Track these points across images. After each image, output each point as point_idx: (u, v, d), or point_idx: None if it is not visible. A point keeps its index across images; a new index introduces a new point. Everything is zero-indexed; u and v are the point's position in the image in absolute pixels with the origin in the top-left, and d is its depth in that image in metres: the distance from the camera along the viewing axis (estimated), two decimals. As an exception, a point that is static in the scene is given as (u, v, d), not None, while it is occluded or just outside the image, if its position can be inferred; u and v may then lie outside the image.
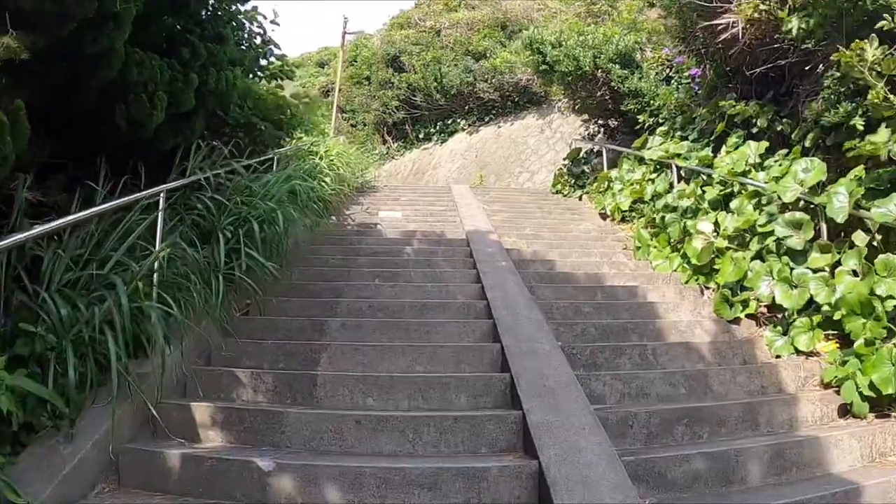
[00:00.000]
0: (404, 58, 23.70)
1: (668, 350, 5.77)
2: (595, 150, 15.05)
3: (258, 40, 6.85)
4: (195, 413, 4.46)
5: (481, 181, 17.87)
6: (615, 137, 14.58)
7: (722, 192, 8.17)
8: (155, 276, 4.78)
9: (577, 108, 17.15)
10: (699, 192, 8.38)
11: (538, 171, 17.60)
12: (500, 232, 9.50)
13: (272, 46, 6.97)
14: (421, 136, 23.47)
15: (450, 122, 22.55)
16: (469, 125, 21.85)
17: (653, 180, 10.35)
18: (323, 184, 9.97)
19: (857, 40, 5.62)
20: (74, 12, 3.67)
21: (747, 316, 6.71)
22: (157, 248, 5.01)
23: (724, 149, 8.89)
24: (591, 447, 3.80)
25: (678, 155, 9.81)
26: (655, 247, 8.85)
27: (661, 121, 11.40)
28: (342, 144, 13.15)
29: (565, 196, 13.87)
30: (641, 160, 11.48)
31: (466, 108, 21.96)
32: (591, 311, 6.55)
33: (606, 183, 11.89)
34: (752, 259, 7.02)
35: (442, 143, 22.48)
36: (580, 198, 13.51)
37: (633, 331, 6.18)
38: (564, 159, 15.11)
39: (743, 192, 7.78)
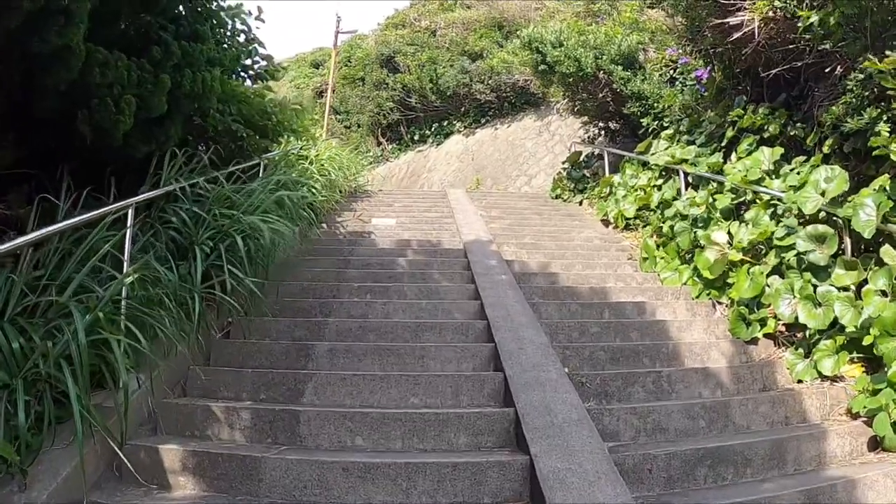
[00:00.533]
0: (399, 58, 23.24)
1: (685, 377, 5.34)
2: (595, 154, 14.63)
3: (242, 38, 6.34)
4: (164, 456, 3.99)
5: (477, 185, 17.43)
6: (616, 140, 14.18)
7: (734, 201, 7.75)
8: (123, 302, 4.30)
9: (576, 109, 16.72)
10: (710, 200, 7.94)
11: (536, 174, 17.16)
12: (498, 241, 9.06)
13: (256, 45, 6.47)
14: (416, 137, 23.00)
15: (445, 123, 22.10)
16: (465, 127, 21.39)
17: (659, 187, 9.92)
18: (313, 190, 9.52)
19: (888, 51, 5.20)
20: (18, 3, 3.20)
21: (765, 335, 6.30)
22: (125, 268, 4.56)
23: (734, 154, 8.50)
24: (609, 501, 3.36)
25: (685, 160, 9.41)
26: (663, 258, 8.44)
27: (665, 124, 11.01)
28: (334, 147, 12.68)
29: (565, 201, 13.45)
30: (645, 165, 11.09)
31: (462, 109, 21.51)
32: (599, 332, 6.10)
33: (609, 188, 11.48)
34: (770, 274, 6.61)
35: (437, 145, 22.01)
36: (580, 203, 13.11)
37: (644, 354, 5.74)
38: (564, 163, 14.71)
39: (758, 201, 7.38)
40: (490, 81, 20.11)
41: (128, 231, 4.58)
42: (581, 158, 14.26)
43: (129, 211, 4.64)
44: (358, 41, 28.66)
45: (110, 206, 4.44)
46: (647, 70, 11.96)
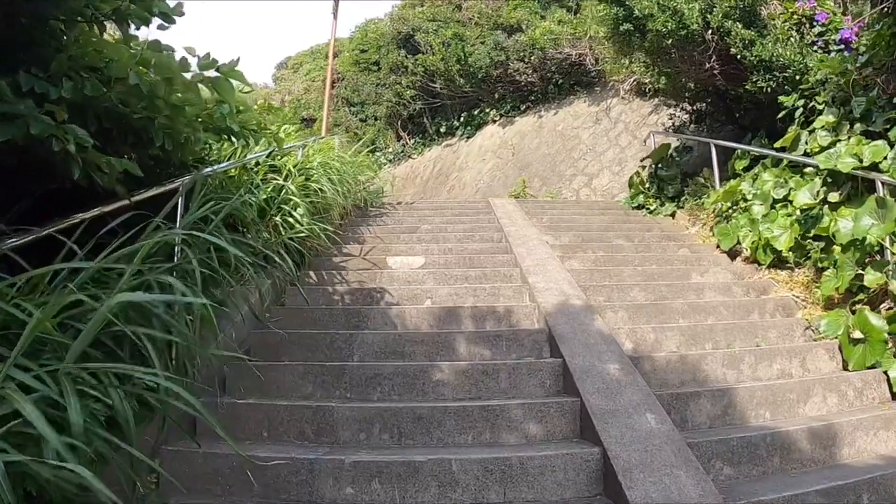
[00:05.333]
0: (419, 36, 19.54)
1: None
2: (685, 147, 11.00)
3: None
4: None
5: (524, 188, 13.79)
6: (714, 129, 10.55)
7: None
8: None
9: (649, 88, 13.10)
10: None
11: (598, 173, 13.49)
12: (594, 299, 5.54)
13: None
14: (442, 130, 19.28)
15: (477, 112, 18.35)
16: (501, 115, 17.63)
17: (834, 206, 6.30)
18: (291, 218, 6.04)
19: None
20: None
21: None
22: None
23: None
24: None
25: (877, 165, 5.97)
26: (884, 340, 4.83)
27: (819, 105, 7.35)
28: (334, 149, 9.15)
29: (651, 212, 9.86)
30: (778, 164, 7.59)
31: (497, 94, 17.75)
32: None
33: (733, 200, 7.86)
34: None
35: (468, 137, 18.30)
36: (672, 215, 9.54)
37: None
38: (644, 159, 11.05)
39: None
40: (532, 59, 16.34)
41: None
42: (670, 153, 10.59)
43: None
44: (374, 24, 24.99)
45: None
46: (779, 28, 8.25)
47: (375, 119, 21.50)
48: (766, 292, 6.37)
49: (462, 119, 18.68)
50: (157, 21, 3.49)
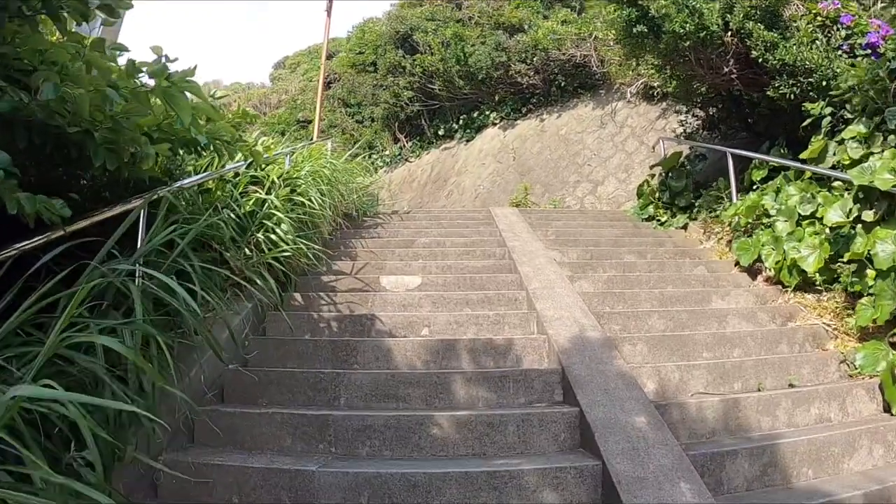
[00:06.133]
0: (418, 36, 18.96)
1: None
2: (698, 155, 10.49)
3: None
4: None
5: (526, 196, 13.23)
6: (728, 136, 10.01)
7: None
8: None
9: (657, 93, 12.65)
10: None
11: (603, 180, 12.94)
12: (607, 328, 5.00)
13: None
14: (440, 132, 18.69)
15: (476, 114, 17.78)
16: (502, 118, 17.07)
17: (867, 224, 5.77)
18: (273, 234, 5.49)
19: None
20: None
21: None
22: None
23: None
24: None
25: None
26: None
27: (848, 114, 6.82)
28: (325, 155, 8.60)
29: (663, 225, 9.32)
30: (800, 176, 7.10)
31: (497, 96, 17.18)
32: None
33: (755, 215, 7.32)
34: None
35: (467, 141, 17.73)
36: (685, 227, 9.00)
37: None
38: (654, 166, 10.52)
39: None
40: (534, 60, 15.78)
41: None
42: (681, 161, 10.06)
43: None
44: (371, 25, 24.42)
45: None
46: (803, 31, 7.71)
47: (372, 121, 20.95)
48: (792, 318, 5.84)
49: (461, 121, 18.12)
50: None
